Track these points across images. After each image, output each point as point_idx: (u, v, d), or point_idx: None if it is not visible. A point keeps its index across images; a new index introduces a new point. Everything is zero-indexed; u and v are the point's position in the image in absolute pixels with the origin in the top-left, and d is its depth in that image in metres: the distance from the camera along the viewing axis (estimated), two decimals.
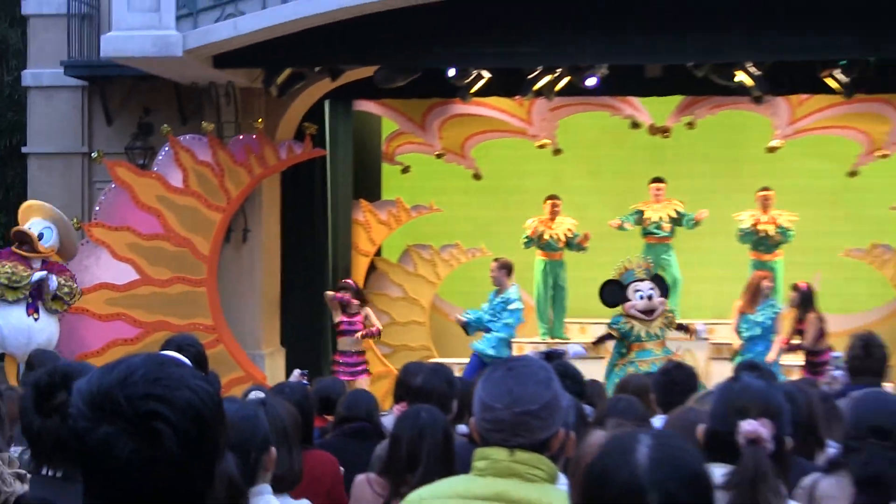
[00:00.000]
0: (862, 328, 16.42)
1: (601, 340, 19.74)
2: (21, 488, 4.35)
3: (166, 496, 2.87)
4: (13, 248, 18.25)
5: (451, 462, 6.63)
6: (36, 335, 17.41)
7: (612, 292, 18.42)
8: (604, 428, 4.60)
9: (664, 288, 19.05)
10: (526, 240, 23.01)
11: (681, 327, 18.75)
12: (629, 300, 18.47)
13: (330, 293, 20.26)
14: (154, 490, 2.85)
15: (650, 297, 18.37)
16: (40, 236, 18.15)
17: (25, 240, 18.07)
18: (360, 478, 7.15)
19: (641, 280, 18.47)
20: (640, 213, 22.90)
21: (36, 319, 18.11)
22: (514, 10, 18.46)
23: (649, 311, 18.31)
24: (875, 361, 10.71)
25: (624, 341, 18.53)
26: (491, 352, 19.41)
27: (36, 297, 18.12)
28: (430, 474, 6.21)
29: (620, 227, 22.62)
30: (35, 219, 18.43)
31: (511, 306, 19.68)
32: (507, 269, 20.33)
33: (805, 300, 19.65)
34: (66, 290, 18.23)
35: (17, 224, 20.56)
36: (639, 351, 18.05)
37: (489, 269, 20.52)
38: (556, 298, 23.09)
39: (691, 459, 3.03)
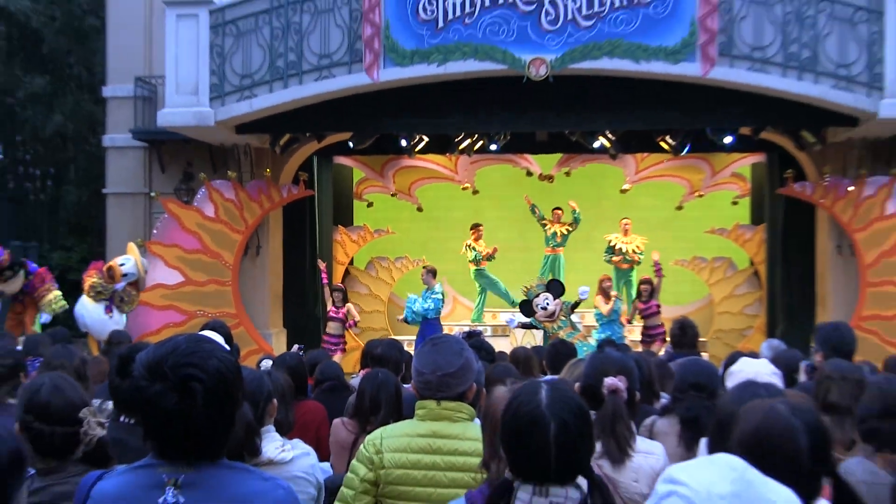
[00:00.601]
0: (683, 315, 16.65)
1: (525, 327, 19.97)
2: (101, 432, 4.40)
3: (198, 435, 3.14)
4: (103, 269, 18.39)
5: (400, 409, 6.66)
6: (109, 325, 17.47)
7: (526, 309, 18.63)
8: (503, 384, 4.78)
9: (560, 287, 19.28)
10: (472, 255, 23.21)
11: (575, 306, 18.90)
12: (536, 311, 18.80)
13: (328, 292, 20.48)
14: (189, 431, 3.12)
15: (545, 308, 18.57)
16: (124, 274, 18.33)
17: (112, 274, 18.25)
18: (337, 421, 7.17)
19: (538, 295, 18.68)
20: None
21: (110, 317, 18.25)
22: (445, 95, 18.51)
23: (551, 315, 18.54)
24: (690, 338, 11.06)
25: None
26: (411, 315, 20.03)
27: (112, 302, 18.30)
28: (387, 418, 6.45)
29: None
30: (128, 255, 18.59)
31: (434, 296, 19.88)
32: (432, 273, 20.39)
33: (653, 291, 20.06)
34: (128, 300, 18.45)
35: (101, 244, 20.78)
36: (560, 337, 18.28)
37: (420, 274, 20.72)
38: (482, 294, 23.30)
39: (576, 399, 3.35)
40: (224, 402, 3.17)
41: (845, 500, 3.25)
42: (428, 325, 19.90)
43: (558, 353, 9.19)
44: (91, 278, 18.44)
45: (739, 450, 3.22)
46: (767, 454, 2.99)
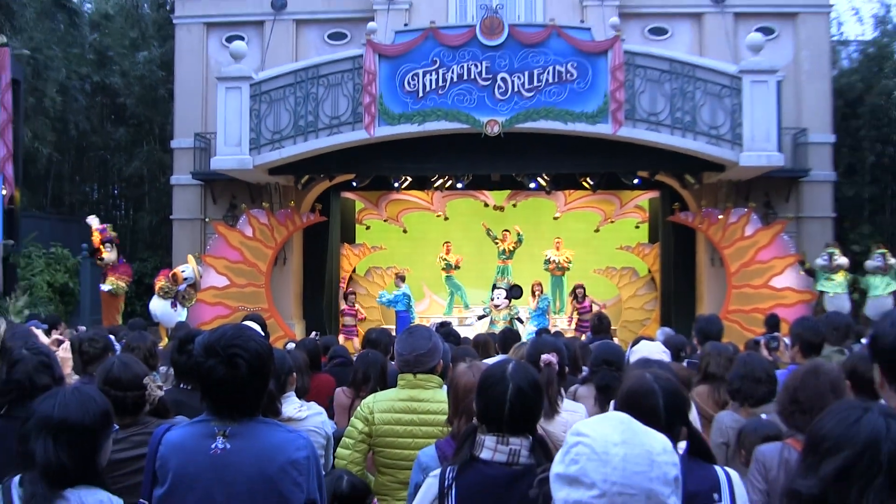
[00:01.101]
0: (600, 310, 16.67)
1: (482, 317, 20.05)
2: (160, 393, 4.51)
3: (241, 397, 3.30)
4: (169, 275, 18.43)
5: (385, 381, 6.60)
6: (174, 318, 17.45)
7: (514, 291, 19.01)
8: (464, 362, 4.77)
9: (519, 291, 19.36)
10: (443, 264, 23.21)
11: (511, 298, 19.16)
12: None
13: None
14: (234, 394, 3.30)
15: (495, 300, 18.86)
16: (185, 278, 18.36)
17: (175, 278, 18.27)
18: (338, 389, 7.17)
19: (500, 289, 18.95)
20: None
21: (175, 311, 18.23)
22: (424, 146, 18.57)
23: (497, 306, 18.71)
24: (605, 326, 11.14)
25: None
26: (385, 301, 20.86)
27: (176, 300, 18.30)
28: (374, 387, 6.39)
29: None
30: (188, 264, 18.60)
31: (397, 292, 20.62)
32: (400, 278, 21.03)
33: (584, 294, 20.26)
34: (188, 297, 18.46)
35: (168, 256, 20.83)
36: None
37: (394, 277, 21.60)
38: (451, 294, 23.31)
39: (534, 374, 3.42)
40: (260, 373, 3.32)
41: (695, 442, 3.44)
42: (399, 318, 20.01)
43: (507, 338, 9.37)
44: (160, 282, 18.43)
45: (619, 406, 3.42)
46: (635, 408, 3.10)
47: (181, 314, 18.23)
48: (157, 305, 18.40)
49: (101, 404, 3.40)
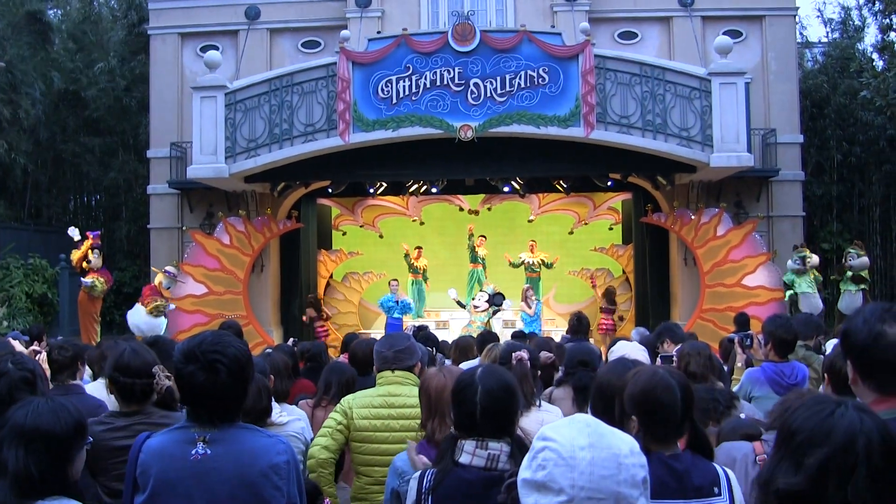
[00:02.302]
0: (579, 310, 16.66)
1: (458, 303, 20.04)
2: (168, 383, 4.34)
3: (221, 402, 3.28)
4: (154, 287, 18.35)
5: (352, 389, 6.32)
6: (157, 328, 17.35)
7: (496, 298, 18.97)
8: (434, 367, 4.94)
9: (501, 299, 19.26)
10: (411, 269, 23.05)
11: (496, 311, 19.13)
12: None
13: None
14: (214, 399, 3.27)
15: (476, 301, 18.85)
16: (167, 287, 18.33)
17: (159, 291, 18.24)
18: (302, 402, 6.91)
19: (484, 292, 19.00)
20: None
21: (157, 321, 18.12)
22: (398, 152, 18.57)
23: (475, 307, 18.71)
24: (584, 326, 11.13)
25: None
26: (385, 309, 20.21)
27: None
28: (337, 395, 6.32)
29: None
30: (163, 278, 18.54)
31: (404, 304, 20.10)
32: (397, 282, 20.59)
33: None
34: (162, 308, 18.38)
35: (146, 266, 20.67)
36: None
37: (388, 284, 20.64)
38: (420, 299, 23.21)
39: (504, 376, 3.41)
40: (239, 378, 3.29)
41: (698, 437, 3.40)
42: (390, 324, 19.88)
43: (485, 340, 9.34)
44: (151, 302, 18.27)
45: (631, 406, 3.33)
46: (656, 407, 3.17)
47: (162, 324, 18.11)
48: (140, 318, 18.20)
49: (75, 415, 3.31)
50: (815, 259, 18.74)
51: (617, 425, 2.49)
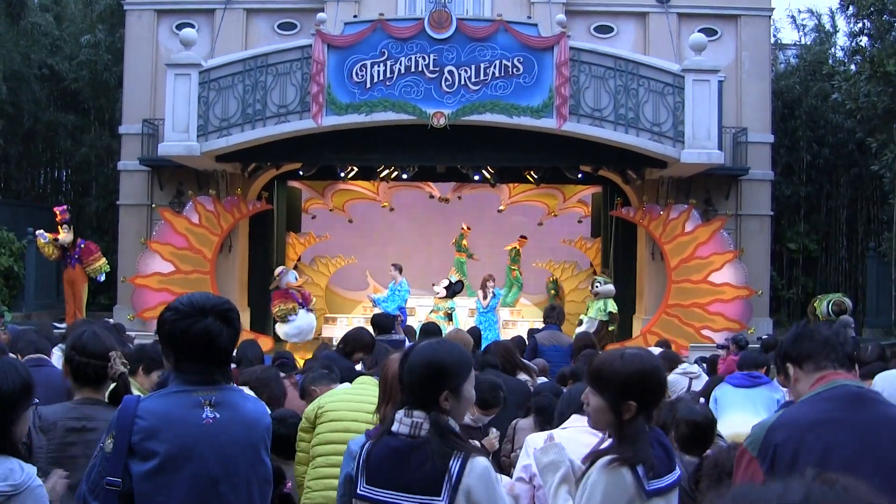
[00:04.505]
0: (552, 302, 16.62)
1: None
2: (123, 369, 4.33)
3: (227, 357, 3.27)
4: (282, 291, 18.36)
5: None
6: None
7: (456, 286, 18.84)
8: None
9: (461, 286, 19.15)
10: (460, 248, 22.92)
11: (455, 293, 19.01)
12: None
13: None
14: (228, 352, 3.25)
15: (438, 289, 18.67)
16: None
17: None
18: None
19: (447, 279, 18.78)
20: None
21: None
22: (370, 137, 18.42)
23: (437, 294, 18.58)
24: (557, 314, 11.15)
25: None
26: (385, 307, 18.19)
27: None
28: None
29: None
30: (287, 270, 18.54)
31: (399, 292, 18.62)
32: (398, 269, 18.91)
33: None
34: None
35: (115, 242, 20.43)
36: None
37: (388, 268, 19.36)
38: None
39: (434, 351, 3.39)
40: (239, 334, 3.31)
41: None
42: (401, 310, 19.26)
43: (427, 332, 9.65)
44: (277, 306, 18.31)
45: (622, 389, 3.28)
46: (653, 386, 3.29)
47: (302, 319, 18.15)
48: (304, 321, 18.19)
49: (23, 375, 3.30)
50: (605, 287, 18.46)
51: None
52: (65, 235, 18.08)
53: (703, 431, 4.93)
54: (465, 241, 23.17)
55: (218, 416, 3.14)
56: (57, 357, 7.43)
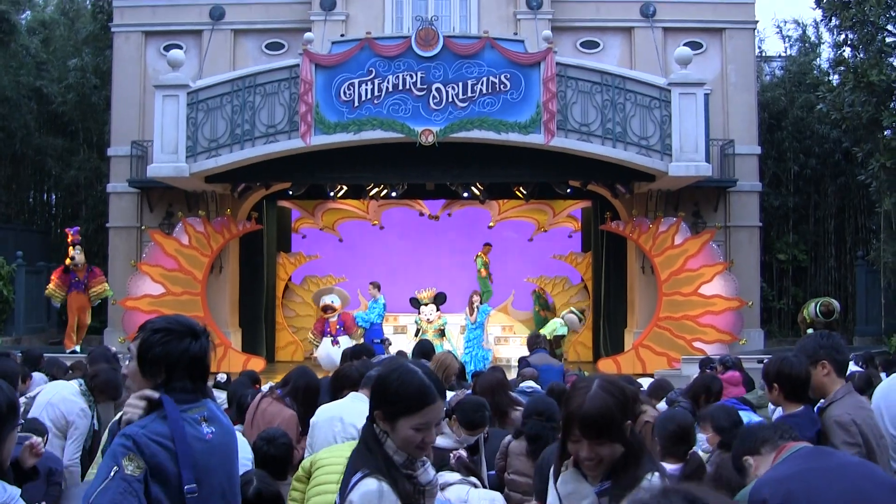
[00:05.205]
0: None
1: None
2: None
3: (207, 374, 3.26)
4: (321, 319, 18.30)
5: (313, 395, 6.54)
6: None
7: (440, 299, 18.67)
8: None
9: (444, 297, 18.99)
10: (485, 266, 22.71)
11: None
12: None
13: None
14: (207, 370, 3.26)
15: (422, 314, 18.37)
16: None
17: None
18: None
19: (429, 304, 18.40)
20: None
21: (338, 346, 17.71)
22: (359, 155, 18.46)
23: (429, 320, 18.20)
24: (540, 341, 11.18)
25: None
26: (362, 323, 18.51)
27: (337, 334, 18.04)
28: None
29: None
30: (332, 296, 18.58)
31: (376, 307, 18.56)
32: (377, 287, 18.91)
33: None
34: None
35: (105, 264, 20.38)
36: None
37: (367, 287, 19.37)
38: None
39: (388, 370, 3.36)
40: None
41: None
42: (372, 329, 19.22)
43: (423, 350, 9.56)
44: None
45: (575, 424, 3.10)
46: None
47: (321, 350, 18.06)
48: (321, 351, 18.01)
49: (8, 395, 3.23)
50: (570, 316, 19.38)
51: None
52: (78, 256, 18.16)
53: (686, 431, 5.29)
54: (486, 258, 22.81)
55: (213, 430, 3.16)
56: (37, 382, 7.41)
